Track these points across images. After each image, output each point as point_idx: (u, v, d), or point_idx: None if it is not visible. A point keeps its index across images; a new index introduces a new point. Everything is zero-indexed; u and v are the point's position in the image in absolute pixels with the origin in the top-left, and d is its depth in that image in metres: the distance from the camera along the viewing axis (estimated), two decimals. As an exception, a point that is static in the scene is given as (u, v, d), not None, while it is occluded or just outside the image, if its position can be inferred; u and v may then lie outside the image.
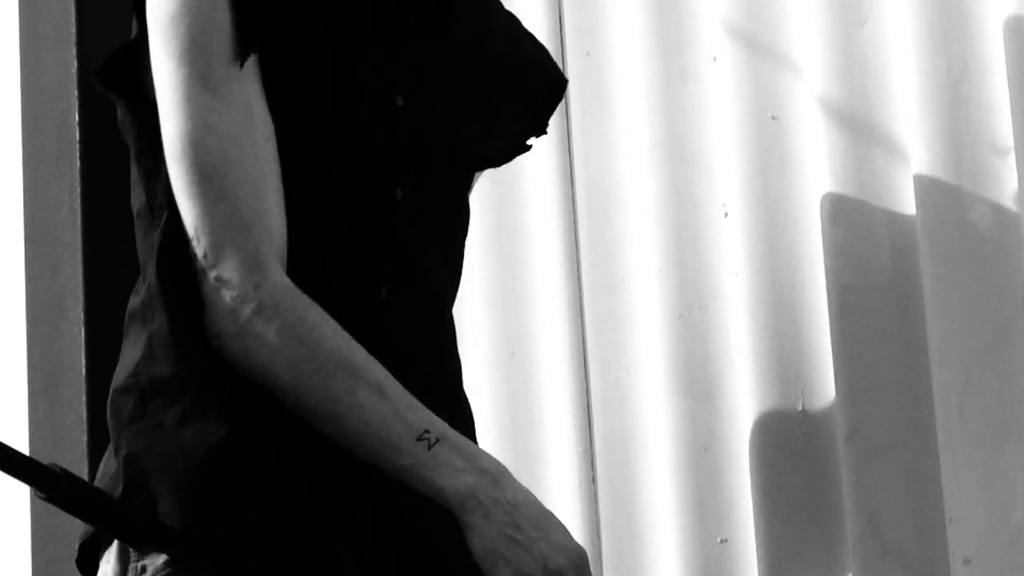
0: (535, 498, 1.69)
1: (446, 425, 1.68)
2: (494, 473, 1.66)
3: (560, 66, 2.16)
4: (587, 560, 1.68)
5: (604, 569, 2.20)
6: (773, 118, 2.16)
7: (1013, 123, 1.92)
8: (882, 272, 2.10)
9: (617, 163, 2.23)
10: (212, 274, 1.64)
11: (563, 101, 2.11)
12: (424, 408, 1.68)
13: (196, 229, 1.67)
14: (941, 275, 1.94)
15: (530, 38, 2.07)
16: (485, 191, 2.21)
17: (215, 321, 1.64)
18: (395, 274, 1.85)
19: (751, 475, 2.10)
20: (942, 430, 1.92)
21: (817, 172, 2.12)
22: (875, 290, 2.12)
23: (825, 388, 2.07)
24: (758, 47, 2.22)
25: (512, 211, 2.31)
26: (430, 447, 1.67)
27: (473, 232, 1.97)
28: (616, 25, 2.36)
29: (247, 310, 1.64)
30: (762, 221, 2.21)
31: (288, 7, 1.79)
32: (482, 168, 2.06)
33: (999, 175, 1.95)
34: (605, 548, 2.24)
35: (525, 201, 2.30)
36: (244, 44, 1.73)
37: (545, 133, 2.09)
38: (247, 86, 1.74)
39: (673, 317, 2.21)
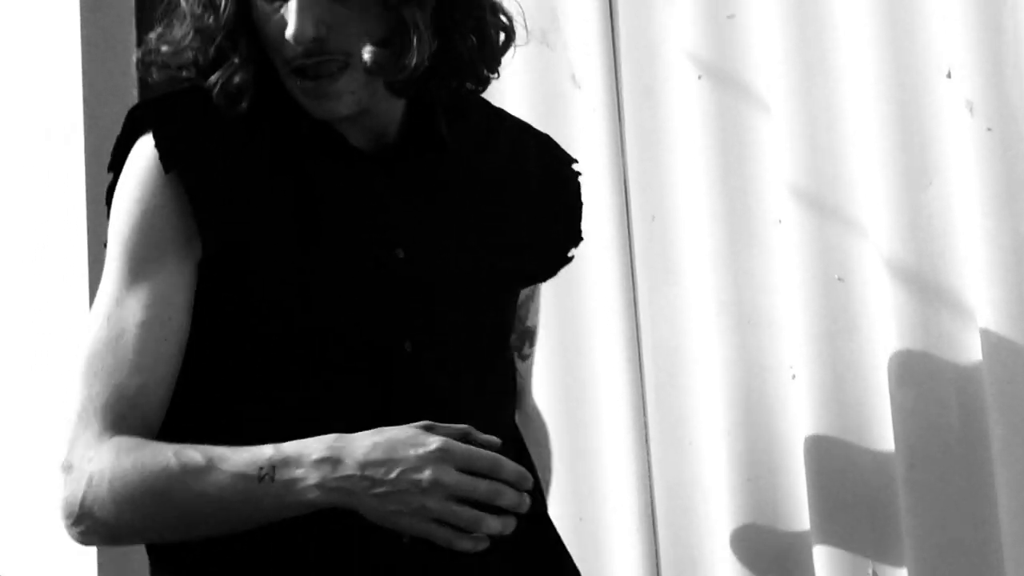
0: (371, 439, 1.70)
1: (269, 446, 1.71)
2: (330, 456, 1.71)
3: (626, 231, 2.27)
4: (447, 445, 1.71)
5: None
6: (839, 280, 2.18)
7: (1079, 285, 1.95)
8: (950, 433, 2.09)
9: (683, 325, 2.28)
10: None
11: (629, 264, 2.22)
12: (243, 448, 1.72)
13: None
14: (1010, 437, 1.95)
15: (543, 143, 2.12)
16: (551, 352, 2.30)
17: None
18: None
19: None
20: (1014, 588, 1.96)
21: (884, 333, 2.14)
22: (944, 452, 2.11)
23: (897, 551, 2.07)
24: (823, 209, 2.24)
25: (579, 373, 2.34)
26: (272, 479, 1.71)
27: (539, 392, 2.03)
28: (681, 188, 2.41)
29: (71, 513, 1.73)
30: (829, 383, 2.22)
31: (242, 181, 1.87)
32: (525, 285, 2.08)
33: (1067, 336, 1.96)
34: None
35: (592, 363, 2.34)
36: (206, 238, 1.82)
37: (582, 239, 2.09)
38: (163, 280, 1.83)
39: (741, 481, 2.23)
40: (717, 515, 2.20)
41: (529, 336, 2.22)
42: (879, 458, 2.22)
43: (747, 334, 2.32)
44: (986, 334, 2.06)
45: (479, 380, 2.00)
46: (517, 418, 2.21)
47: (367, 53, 1.89)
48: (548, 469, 2.32)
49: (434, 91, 1.97)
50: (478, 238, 2.01)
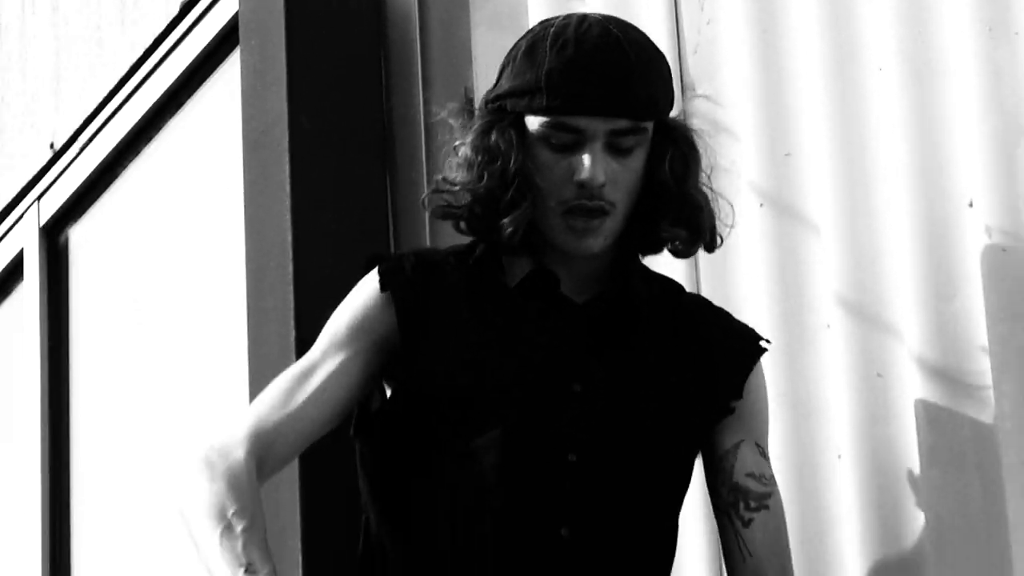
0: None
1: (270, 568, 2.08)
2: None
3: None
4: None
5: None
6: (879, 375, 2.42)
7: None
8: (973, 505, 2.29)
9: (746, 413, 2.64)
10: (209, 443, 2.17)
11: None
12: (261, 550, 2.11)
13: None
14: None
15: (723, 316, 2.33)
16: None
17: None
18: (570, 516, 2.14)
19: None
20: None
21: (916, 421, 2.37)
22: (967, 522, 2.30)
23: (928, 608, 2.28)
24: (865, 316, 2.48)
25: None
26: (247, 572, 2.07)
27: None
28: (743, 291, 2.63)
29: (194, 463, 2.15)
30: (870, 463, 2.45)
31: (447, 315, 2.20)
32: (681, 434, 2.24)
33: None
34: None
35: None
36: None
37: (740, 395, 2.27)
38: (338, 362, 2.22)
39: (794, 543, 2.38)
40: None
41: (743, 495, 2.31)
42: (913, 527, 2.39)
43: (799, 420, 2.55)
44: (1002, 420, 2.27)
45: (631, 516, 2.21)
46: None
47: (667, 230, 2.22)
48: None
49: (638, 251, 2.26)
50: (644, 388, 2.22)
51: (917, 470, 2.31)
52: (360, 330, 2.24)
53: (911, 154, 2.43)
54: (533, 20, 2.94)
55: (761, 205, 2.59)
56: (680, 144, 2.21)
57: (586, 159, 2.10)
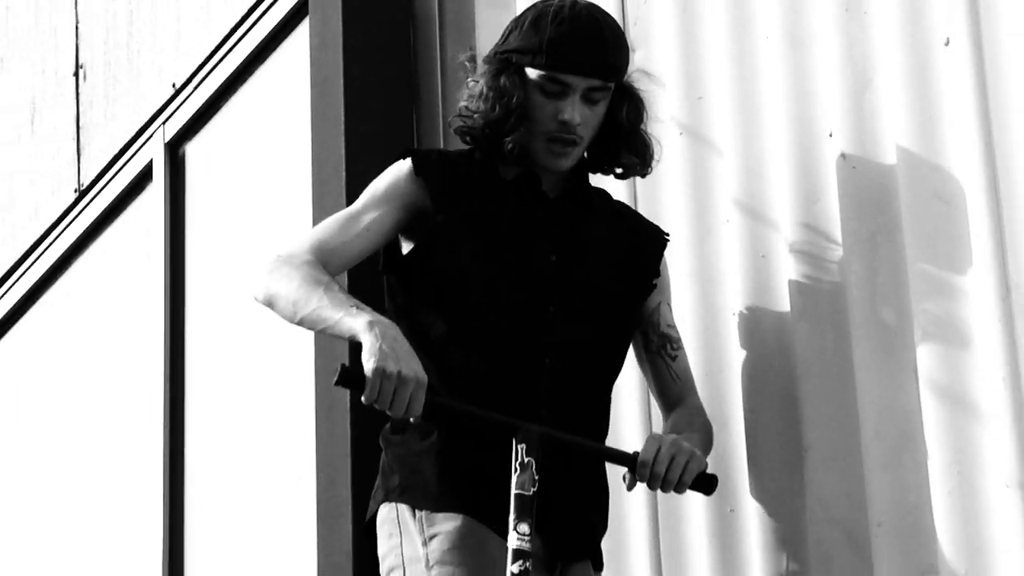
0: (394, 335, 2.37)
1: (361, 303, 2.43)
2: (374, 321, 2.37)
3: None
4: (390, 367, 2.32)
5: None
6: (763, 257, 2.90)
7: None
8: (829, 350, 2.75)
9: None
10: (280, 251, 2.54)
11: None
12: (352, 298, 2.45)
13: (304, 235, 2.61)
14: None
15: (638, 216, 2.79)
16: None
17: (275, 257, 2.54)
18: (551, 350, 2.57)
19: None
20: None
21: (790, 290, 2.82)
22: (824, 364, 2.76)
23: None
24: (754, 214, 3.00)
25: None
26: (352, 311, 2.40)
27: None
28: (666, 195, 3.07)
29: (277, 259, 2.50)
30: (756, 321, 2.89)
31: (459, 194, 2.60)
32: (619, 297, 2.67)
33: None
34: None
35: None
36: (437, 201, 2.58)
37: (659, 274, 2.70)
38: (377, 214, 2.60)
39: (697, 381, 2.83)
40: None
41: (669, 341, 2.76)
42: (786, 368, 2.83)
43: (705, 290, 2.99)
44: (850, 289, 2.73)
45: (591, 352, 2.65)
46: (681, 410, 2.76)
47: (622, 152, 2.65)
48: (705, 446, 2.70)
49: (597, 171, 2.69)
50: (603, 258, 2.67)
51: (789, 324, 2.78)
52: (395, 194, 2.66)
53: (788, 99, 2.87)
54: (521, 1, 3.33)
55: (680, 134, 3.04)
56: (634, 99, 2.65)
57: (568, 105, 2.54)
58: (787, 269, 2.83)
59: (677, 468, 2.51)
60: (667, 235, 2.73)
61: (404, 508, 2.59)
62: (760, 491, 2.89)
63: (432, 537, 2.54)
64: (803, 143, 2.85)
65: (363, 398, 2.44)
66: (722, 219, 2.98)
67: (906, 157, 2.71)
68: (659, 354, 2.75)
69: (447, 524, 2.53)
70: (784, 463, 2.83)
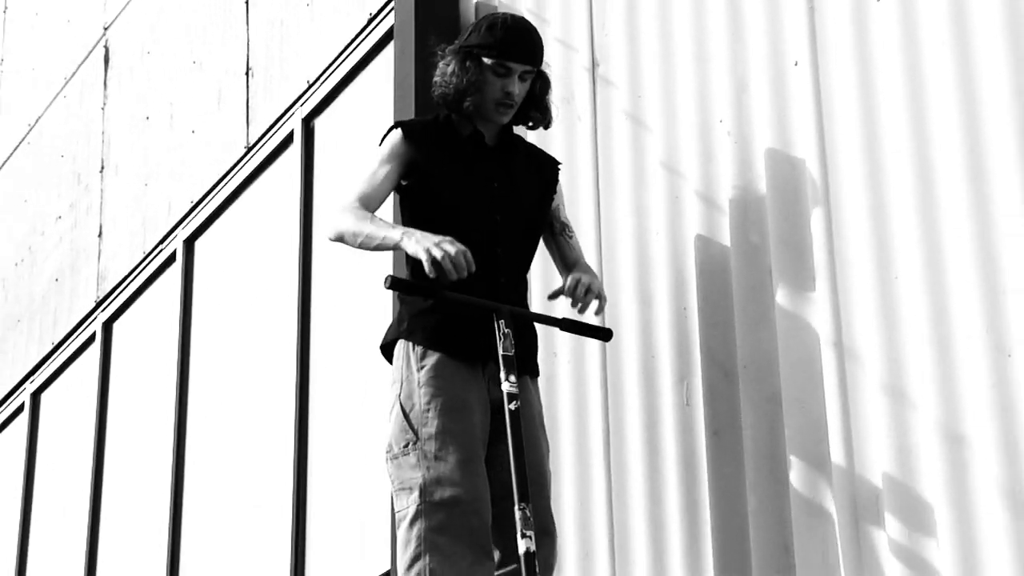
0: (423, 232, 3.07)
1: (395, 224, 3.20)
2: (406, 231, 3.10)
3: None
4: (444, 246, 3.02)
5: None
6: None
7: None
8: None
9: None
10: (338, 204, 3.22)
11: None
12: (388, 223, 3.14)
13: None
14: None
15: (542, 152, 3.47)
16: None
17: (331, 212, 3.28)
18: (498, 237, 3.23)
19: None
20: None
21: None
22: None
23: None
24: (657, 153, 3.72)
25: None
26: (392, 229, 3.10)
27: None
28: (582, 139, 3.84)
29: (335, 210, 3.21)
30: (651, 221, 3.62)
31: (434, 153, 3.25)
32: (542, 201, 3.35)
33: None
34: None
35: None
36: (398, 147, 3.24)
37: (556, 188, 3.40)
38: (387, 169, 3.27)
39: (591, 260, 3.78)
40: None
41: (567, 227, 3.50)
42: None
43: (604, 199, 3.77)
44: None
45: (523, 242, 3.35)
46: (579, 265, 3.38)
47: (535, 112, 3.32)
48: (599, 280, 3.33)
49: (519, 124, 3.38)
50: (524, 181, 3.37)
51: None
52: (394, 154, 3.33)
53: (691, 95, 3.56)
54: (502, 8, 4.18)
55: (626, 119, 3.79)
56: (544, 78, 3.37)
57: (511, 82, 3.26)
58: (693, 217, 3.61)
59: (591, 290, 3.27)
60: (559, 163, 3.56)
61: (408, 344, 3.25)
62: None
63: (422, 367, 3.22)
64: (702, 127, 3.64)
65: (428, 271, 3.04)
66: (651, 171, 3.81)
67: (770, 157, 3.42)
68: (562, 234, 3.53)
69: (431, 359, 3.22)
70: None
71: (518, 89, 3.25)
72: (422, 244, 3.06)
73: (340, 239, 3.24)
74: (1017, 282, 2.86)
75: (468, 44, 3.27)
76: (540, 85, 3.34)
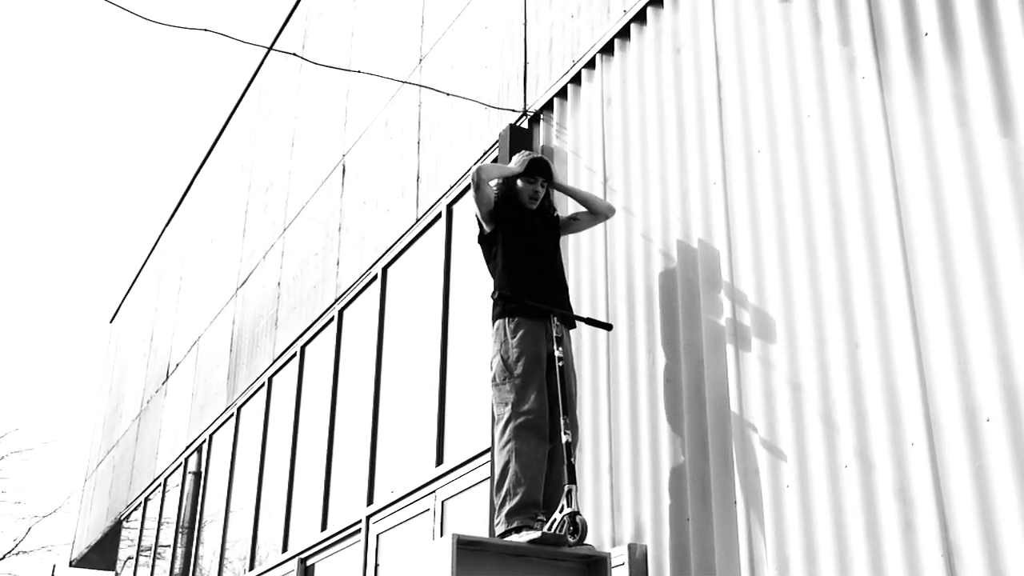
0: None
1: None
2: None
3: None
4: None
5: None
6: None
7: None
8: None
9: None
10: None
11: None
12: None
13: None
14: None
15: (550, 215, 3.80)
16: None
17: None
18: (542, 263, 3.67)
19: None
20: None
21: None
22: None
23: None
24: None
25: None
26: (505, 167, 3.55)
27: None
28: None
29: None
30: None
31: (509, 213, 3.70)
32: (558, 240, 3.74)
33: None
34: None
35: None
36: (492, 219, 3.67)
37: (559, 221, 3.76)
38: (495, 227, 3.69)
39: None
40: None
41: (576, 220, 3.89)
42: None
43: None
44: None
45: (557, 262, 3.73)
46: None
47: (548, 201, 3.71)
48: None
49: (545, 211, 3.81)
50: (547, 229, 3.77)
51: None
52: (489, 211, 3.63)
53: (655, 184, 3.88)
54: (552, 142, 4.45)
55: (606, 184, 4.00)
56: (552, 182, 3.81)
57: (538, 188, 3.74)
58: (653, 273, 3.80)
59: None
60: (558, 214, 3.96)
61: (506, 319, 3.56)
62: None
63: (513, 333, 3.51)
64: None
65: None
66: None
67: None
68: (572, 225, 4.02)
69: (517, 323, 3.52)
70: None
71: (541, 191, 3.82)
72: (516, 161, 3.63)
73: (477, 185, 3.68)
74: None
75: (512, 168, 3.83)
76: (550, 188, 3.90)
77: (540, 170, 3.82)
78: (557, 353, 3.44)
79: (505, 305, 3.60)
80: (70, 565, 13.98)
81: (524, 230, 3.74)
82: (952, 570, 2.54)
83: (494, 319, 3.64)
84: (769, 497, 3.11)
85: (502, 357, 3.52)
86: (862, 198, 3.11)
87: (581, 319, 3.67)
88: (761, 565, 3.07)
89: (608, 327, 3.70)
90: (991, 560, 2.47)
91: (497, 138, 5.20)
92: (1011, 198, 2.65)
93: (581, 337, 4.27)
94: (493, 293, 3.56)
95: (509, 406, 3.42)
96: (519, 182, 3.78)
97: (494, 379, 3.53)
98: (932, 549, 2.61)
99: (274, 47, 8.26)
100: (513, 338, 3.51)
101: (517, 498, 3.33)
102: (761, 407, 3.25)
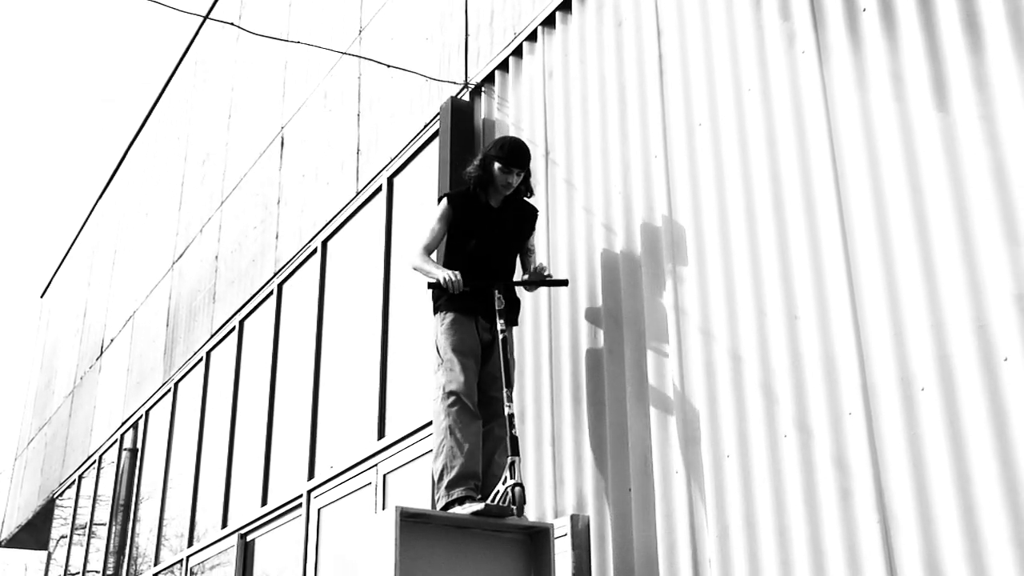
0: (450, 271, 3.41)
1: (438, 265, 3.45)
2: (444, 272, 3.41)
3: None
4: (450, 277, 3.40)
5: None
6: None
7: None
8: None
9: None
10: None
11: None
12: (436, 264, 3.45)
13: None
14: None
15: (529, 206, 3.82)
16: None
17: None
18: (495, 262, 3.65)
19: None
20: None
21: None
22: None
23: None
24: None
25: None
26: (437, 268, 3.37)
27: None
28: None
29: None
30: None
31: (465, 212, 3.67)
32: (525, 241, 3.75)
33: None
34: None
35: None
36: (448, 216, 3.64)
37: (534, 229, 3.74)
38: (440, 226, 3.65)
39: None
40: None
41: (532, 250, 3.86)
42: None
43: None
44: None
45: (507, 258, 3.73)
46: (537, 263, 3.69)
47: (524, 188, 3.65)
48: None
49: (520, 194, 3.77)
50: (511, 227, 3.75)
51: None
52: (444, 217, 3.66)
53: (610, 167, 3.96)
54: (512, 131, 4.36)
55: (567, 183, 4.09)
56: (529, 173, 3.76)
57: (512, 178, 3.68)
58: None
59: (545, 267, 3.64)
60: (537, 210, 3.95)
61: (441, 313, 3.66)
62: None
63: (442, 321, 3.65)
64: (606, 191, 3.88)
65: (445, 287, 3.35)
66: (576, 213, 4.07)
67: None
68: (526, 253, 3.94)
69: (449, 316, 3.65)
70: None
71: (514, 181, 3.77)
72: (443, 274, 3.59)
73: (414, 270, 3.77)
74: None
75: (487, 155, 3.78)
76: (526, 177, 3.86)
77: (517, 161, 3.79)
78: (499, 326, 3.54)
79: (437, 301, 3.74)
80: (-1, 545, 13.90)
81: (482, 219, 3.77)
82: (887, 535, 2.61)
83: (435, 308, 3.76)
84: (710, 466, 3.18)
85: (435, 342, 3.70)
86: (801, 171, 3.16)
87: (535, 282, 3.69)
88: (702, 533, 3.14)
89: (564, 283, 3.70)
90: (924, 525, 2.54)
91: (438, 111, 5.23)
92: (945, 171, 2.70)
93: (524, 311, 4.30)
94: (429, 284, 3.64)
95: (440, 388, 3.57)
96: (496, 166, 3.76)
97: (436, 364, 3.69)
98: (868, 515, 2.67)
99: (210, 16, 8.09)
100: (441, 325, 3.67)
101: (455, 470, 3.43)
102: (702, 378, 3.31)
